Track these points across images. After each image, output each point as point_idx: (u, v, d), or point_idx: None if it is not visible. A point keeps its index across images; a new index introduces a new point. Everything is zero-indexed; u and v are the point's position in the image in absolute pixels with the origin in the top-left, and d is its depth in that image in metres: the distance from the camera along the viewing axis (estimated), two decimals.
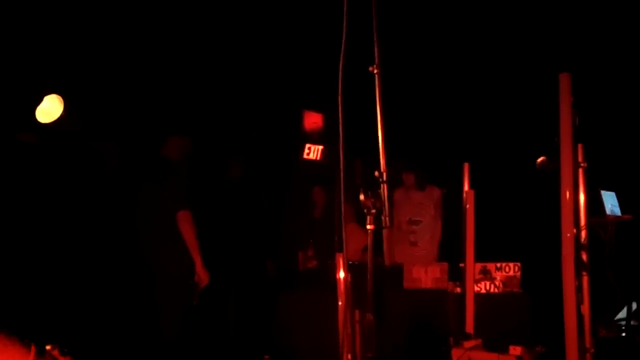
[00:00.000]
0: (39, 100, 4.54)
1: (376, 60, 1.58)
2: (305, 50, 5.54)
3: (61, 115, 4.58)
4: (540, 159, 5.96)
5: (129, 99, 5.26)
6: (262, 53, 5.73)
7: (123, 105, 5.23)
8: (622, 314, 6.06)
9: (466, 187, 4.79)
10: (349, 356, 3.71)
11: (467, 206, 4.67)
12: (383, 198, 1.50)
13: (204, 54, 5.46)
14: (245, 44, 5.55)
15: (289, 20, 5.27)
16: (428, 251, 6.36)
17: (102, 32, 4.71)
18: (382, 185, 1.50)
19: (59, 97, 4.60)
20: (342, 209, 1.54)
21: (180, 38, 5.22)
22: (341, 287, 3.95)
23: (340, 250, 4.00)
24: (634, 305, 6.22)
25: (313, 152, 6.18)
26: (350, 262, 4.93)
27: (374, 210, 1.48)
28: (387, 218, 1.48)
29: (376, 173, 1.51)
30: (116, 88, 5.14)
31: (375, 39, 1.63)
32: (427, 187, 6.41)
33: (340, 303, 3.73)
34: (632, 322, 6.08)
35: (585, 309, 3.98)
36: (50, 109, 4.55)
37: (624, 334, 5.88)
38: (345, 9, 1.66)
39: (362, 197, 1.49)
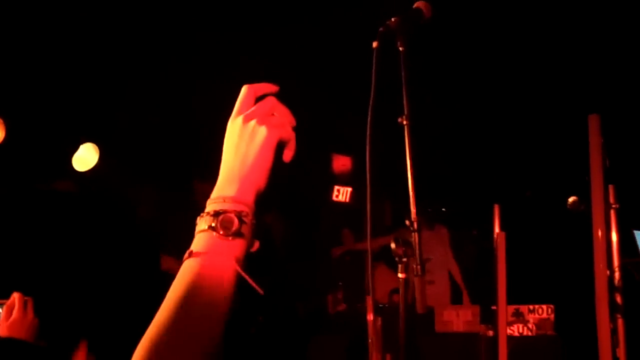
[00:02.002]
0: (75, 149, 4.65)
1: (405, 111, 1.61)
2: (336, 92, 5.61)
3: (97, 164, 4.69)
4: (571, 199, 5.93)
5: (164, 145, 5.36)
6: (293, 93, 5.81)
7: (159, 151, 5.32)
8: None
9: (497, 229, 4.77)
10: None
11: (499, 248, 4.64)
12: (415, 246, 1.52)
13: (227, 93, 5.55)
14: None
15: (321, 61, 5.35)
16: (444, 289, 6.35)
17: (137, 80, 4.83)
18: (413, 233, 1.52)
19: (94, 145, 4.72)
20: (369, 251, 1.55)
21: (210, 83, 5.32)
22: (370, 329, 3.93)
23: (369, 293, 4.01)
24: None
25: (342, 194, 6.22)
26: (380, 305, 4.93)
27: (405, 259, 1.50)
28: (419, 266, 1.50)
29: (407, 222, 1.53)
30: (151, 135, 5.24)
31: (404, 89, 1.67)
32: (435, 225, 6.44)
33: (370, 345, 3.72)
34: None
35: (621, 352, 3.91)
36: (86, 157, 4.66)
37: None
38: (375, 57, 1.69)
39: (393, 245, 1.51)
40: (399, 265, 1.51)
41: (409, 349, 1.61)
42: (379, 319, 4.43)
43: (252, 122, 1.01)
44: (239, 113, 1.04)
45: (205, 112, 5.35)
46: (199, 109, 5.23)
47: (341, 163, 7.10)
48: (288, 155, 1.04)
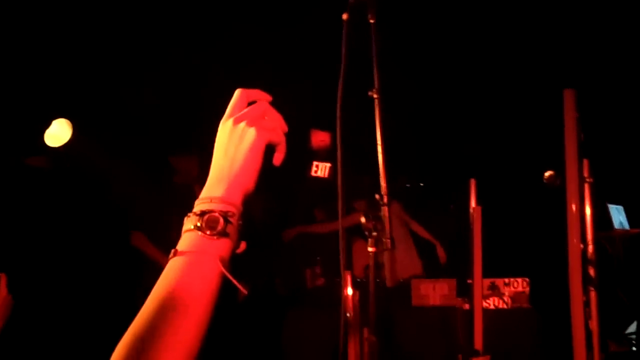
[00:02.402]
0: (47, 124, 4.58)
1: (376, 84, 1.60)
2: (314, 68, 5.58)
3: (70, 140, 4.63)
4: (547, 174, 5.97)
5: (139, 121, 5.30)
6: (272, 69, 5.77)
7: (133, 127, 5.27)
8: (632, 328, 6.02)
9: (473, 204, 4.80)
10: None
11: (474, 222, 4.67)
12: (384, 220, 1.51)
13: (217, 74, 5.50)
14: (255, 61, 5.59)
15: (293, 35, 5.31)
16: (411, 260, 6.38)
17: (112, 55, 4.77)
18: (383, 207, 1.52)
19: (67, 121, 4.65)
20: (341, 225, 1.55)
21: (188, 59, 5.27)
22: (348, 304, 3.95)
23: (347, 268, 4.01)
24: None
25: (321, 169, 6.21)
26: (358, 280, 4.94)
27: (375, 233, 1.50)
28: (389, 240, 1.49)
29: (377, 196, 1.53)
30: (125, 111, 5.18)
31: (374, 62, 1.65)
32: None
33: (346, 320, 3.74)
34: None
35: (594, 324, 3.95)
36: (59, 132, 4.60)
37: (634, 349, 5.84)
38: (345, 30, 1.68)
39: (362, 219, 1.50)
40: (369, 240, 1.51)
41: (381, 323, 1.61)
42: (357, 293, 4.45)
43: (242, 124, 1.02)
44: (230, 115, 1.06)
45: (180, 87, 5.30)
46: (174, 84, 5.17)
47: (320, 139, 7.07)
48: (278, 158, 1.08)
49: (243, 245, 1.00)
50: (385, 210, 1.52)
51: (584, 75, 5.13)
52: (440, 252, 6.30)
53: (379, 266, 1.57)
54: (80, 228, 5.10)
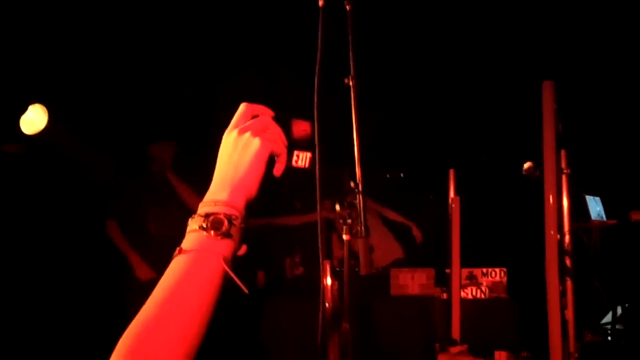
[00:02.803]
0: (23, 110, 4.52)
1: (352, 72, 1.59)
2: (294, 58, 5.56)
3: (46, 126, 4.57)
4: (526, 165, 6.01)
5: (117, 108, 5.25)
6: (254, 59, 5.74)
7: (111, 115, 5.22)
8: (608, 318, 6.09)
9: (452, 194, 4.83)
10: None
11: (453, 212, 4.70)
12: (359, 209, 1.51)
13: (193, 60, 5.46)
14: (235, 49, 5.56)
15: (284, 27, 5.28)
16: (388, 247, 6.41)
17: (88, 40, 4.71)
18: (358, 195, 1.52)
19: (43, 107, 4.59)
20: (320, 215, 1.54)
21: (166, 45, 5.22)
22: (327, 294, 3.95)
23: (326, 258, 4.01)
24: (619, 310, 6.26)
25: (302, 159, 6.18)
26: (337, 269, 4.94)
27: (349, 221, 1.49)
28: (364, 228, 1.49)
29: (352, 184, 1.52)
30: (103, 97, 5.13)
31: (351, 49, 1.64)
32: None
33: (324, 310, 3.74)
34: (617, 326, 6.12)
35: (570, 314, 4.01)
36: (34, 119, 4.54)
37: (609, 338, 5.91)
38: (321, 17, 1.67)
39: (337, 207, 1.50)
40: (344, 227, 1.50)
41: (358, 311, 1.61)
42: (335, 283, 4.45)
43: (247, 134, 1.08)
44: (235, 126, 1.11)
45: (158, 74, 5.26)
46: (151, 71, 5.14)
47: (301, 128, 7.04)
48: (279, 169, 1.14)
49: (244, 248, 1.05)
50: (360, 199, 1.52)
51: (561, 67, 5.15)
52: (416, 233, 6.34)
53: (353, 254, 1.56)
54: (56, 216, 5.05)
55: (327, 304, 3.93)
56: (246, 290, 0.97)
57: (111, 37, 4.73)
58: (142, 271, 4.51)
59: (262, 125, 1.11)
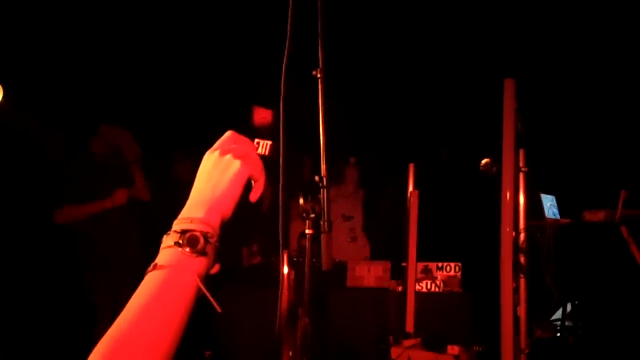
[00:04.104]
0: None
1: (320, 64, 1.58)
2: (257, 46, 5.52)
3: (0, 103, 4.47)
4: (484, 161, 6.06)
5: (72, 87, 5.15)
6: (213, 47, 5.68)
7: (67, 93, 5.12)
8: (558, 315, 6.22)
9: (410, 188, 4.85)
10: (290, 353, 3.71)
11: (411, 206, 4.73)
12: (323, 203, 1.50)
13: (152, 45, 5.38)
14: (196, 35, 5.49)
15: (240, 16, 5.24)
16: (364, 244, 6.48)
17: (45, 18, 4.61)
18: (322, 190, 1.51)
19: None
20: (282, 204, 1.53)
21: (127, 25, 5.13)
22: (284, 283, 3.94)
23: (285, 247, 4.00)
24: (569, 307, 6.40)
25: (262, 147, 6.16)
26: (295, 259, 4.95)
27: (312, 215, 1.48)
28: (326, 223, 1.49)
29: (316, 178, 1.51)
30: (59, 76, 5.03)
31: (320, 40, 1.63)
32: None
33: (281, 300, 3.73)
34: (566, 323, 6.25)
35: (522, 310, 4.06)
36: None
37: (558, 335, 6.04)
38: (290, 8, 1.65)
39: (301, 201, 1.49)
40: (307, 221, 1.49)
41: (316, 303, 1.61)
42: (292, 272, 4.45)
43: (229, 156, 1.10)
44: (217, 148, 1.12)
45: (115, 56, 5.17)
46: (109, 52, 5.05)
47: (262, 116, 7.02)
48: (255, 195, 1.15)
49: (217, 267, 1.06)
50: (324, 193, 1.51)
51: (521, 65, 5.22)
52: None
53: (314, 248, 1.56)
54: (9, 195, 4.95)
55: (284, 294, 3.92)
56: (219, 309, 0.98)
57: (70, 15, 4.63)
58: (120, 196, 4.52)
59: (244, 151, 1.12)
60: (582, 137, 6.66)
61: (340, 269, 5.23)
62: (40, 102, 4.95)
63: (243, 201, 1.11)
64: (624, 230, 5.33)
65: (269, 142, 6.14)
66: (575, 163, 6.66)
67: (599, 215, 5.35)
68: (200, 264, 0.99)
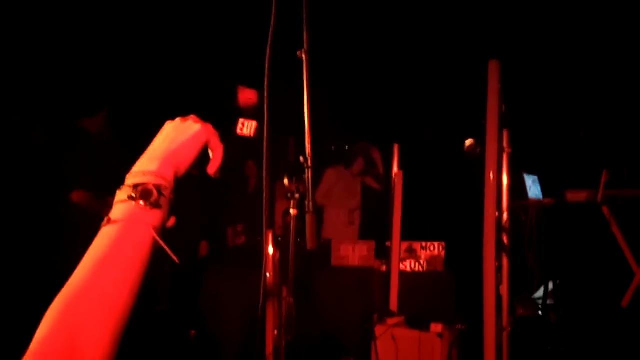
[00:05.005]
0: None
1: (305, 45, 1.59)
2: (241, 27, 5.49)
3: None
4: (468, 142, 6.10)
5: (54, 68, 5.10)
6: (198, 26, 5.65)
7: (46, 76, 5.07)
8: (539, 293, 6.30)
9: (395, 168, 4.87)
10: (275, 332, 3.74)
11: (396, 186, 4.75)
12: (307, 183, 1.51)
13: (135, 27, 5.34)
14: (180, 16, 5.45)
15: None
16: (357, 227, 6.54)
17: (21, 7, 4.56)
18: (307, 170, 1.52)
19: None
20: (266, 185, 1.54)
21: (108, 8, 5.09)
22: (269, 263, 3.96)
23: (269, 227, 4.01)
24: (551, 285, 6.48)
25: (247, 127, 6.13)
26: (280, 238, 4.97)
27: (297, 195, 1.50)
28: (311, 203, 1.50)
29: (301, 158, 1.52)
30: (40, 58, 4.98)
31: (304, 23, 1.63)
32: (354, 165, 6.56)
33: (266, 279, 3.75)
34: (548, 302, 6.33)
35: (504, 289, 4.11)
36: None
37: (540, 313, 6.12)
38: None
39: (286, 181, 1.50)
40: (291, 202, 1.51)
41: (301, 282, 1.63)
42: (277, 252, 4.47)
43: (189, 121, 1.10)
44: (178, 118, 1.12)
45: (94, 37, 5.12)
46: (87, 35, 5.00)
47: (247, 96, 6.99)
48: (213, 167, 1.13)
49: (172, 220, 1.03)
50: (308, 173, 1.52)
51: (505, 47, 5.23)
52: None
53: (299, 227, 1.57)
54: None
55: (268, 274, 3.95)
56: (177, 260, 0.97)
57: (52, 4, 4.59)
58: None
59: (204, 123, 1.12)
60: (565, 117, 6.70)
61: (324, 248, 5.25)
62: (17, 87, 4.91)
63: (202, 172, 1.11)
64: (605, 210, 5.40)
65: (255, 123, 6.11)
66: (558, 143, 6.71)
67: (581, 196, 5.42)
68: (154, 216, 0.97)
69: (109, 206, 0.96)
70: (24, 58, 4.89)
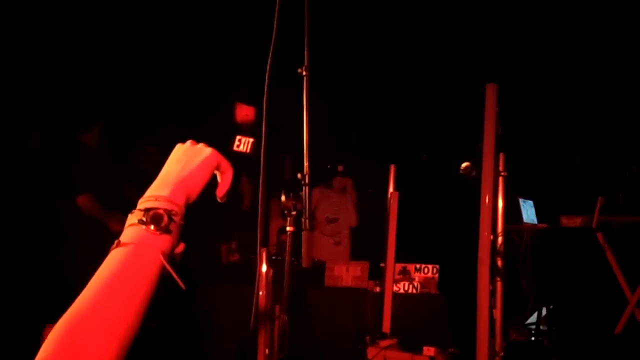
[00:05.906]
0: None
1: (305, 63, 1.59)
2: (241, 43, 5.51)
3: None
4: (464, 165, 6.11)
5: (54, 78, 5.11)
6: (198, 43, 5.66)
7: (47, 84, 5.08)
8: (533, 318, 6.27)
9: (391, 189, 4.87)
10: (267, 351, 3.70)
11: (391, 207, 4.74)
12: (304, 200, 1.51)
13: (136, 39, 5.35)
14: (180, 32, 5.47)
15: (226, 12, 5.22)
16: (346, 248, 6.50)
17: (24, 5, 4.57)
18: (304, 187, 1.51)
19: None
20: (261, 203, 1.53)
21: (108, 18, 5.10)
22: (262, 281, 3.93)
23: (263, 245, 3.99)
24: (544, 311, 6.45)
25: (243, 144, 6.15)
26: (273, 257, 4.95)
27: (294, 212, 1.49)
28: (307, 221, 1.49)
29: (299, 175, 1.52)
30: (40, 67, 4.99)
31: (306, 41, 1.63)
32: (346, 186, 6.53)
33: (259, 297, 3.73)
34: (541, 327, 6.31)
35: (498, 313, 4.09)
36: None
37: (533, 338, 6.09)
38: (277, 7, 1.65)
39: (283, 198, 1.49)
40: (288, 219, 1.50)
41: (294, 301, 1.61)
42: (271, 270, 4.44)
43: (200, 144, 1.12)
44: (188, 141, 1.13)
45: (87, 41, 5.13)
46: (80, 40, 5.02)
47: (244, 113, 7.01)
48: (221, 191, 1.15)
49: (182, 247, 1.04)
50: (305, 191, 1.51)
51: (501, 70, 5.25)
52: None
53: (294, 245, 1.56)
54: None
55: (261, 292, 3.92)
56: (183, 286, 0.97)
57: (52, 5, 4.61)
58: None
59: (214, 148, 1.13)
60: (561, 142, 6.73)
61: (318, 268, 5.23)
62: (20, 92, 4.92)
63: (211, 196, 1.12)
64: (600, 236, 5.41)
65: (251, 140, 6.13)
66: (554, 168, 6.73)
67: (576, 221, 5.42)
68: (164, 241, 0.98)
69: (113, 218, 0.97)
70: (20, 70, 4.91)
